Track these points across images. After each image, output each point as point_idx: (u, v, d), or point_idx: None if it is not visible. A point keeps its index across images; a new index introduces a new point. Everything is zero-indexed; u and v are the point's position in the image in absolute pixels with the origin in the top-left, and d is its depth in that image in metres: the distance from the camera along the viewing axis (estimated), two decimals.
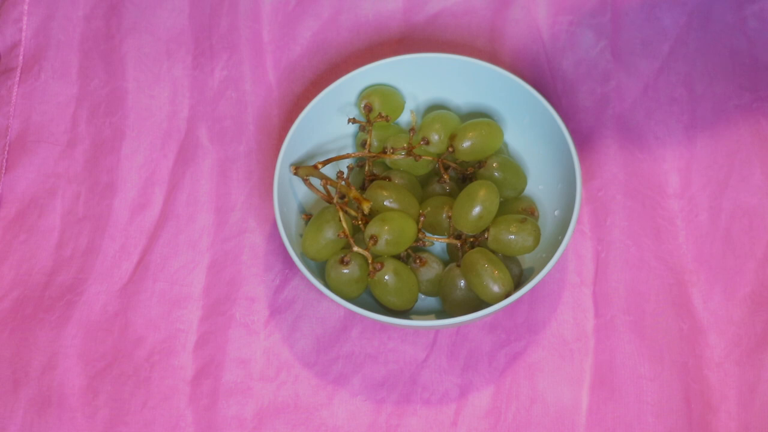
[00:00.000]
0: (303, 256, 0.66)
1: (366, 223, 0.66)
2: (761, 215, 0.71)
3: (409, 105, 0.73)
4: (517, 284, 0.67)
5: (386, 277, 0.65)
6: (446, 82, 0.72)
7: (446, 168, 0.69)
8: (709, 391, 0.67)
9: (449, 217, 0.67)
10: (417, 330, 0.69)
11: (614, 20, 0.78)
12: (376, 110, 0.70)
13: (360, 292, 0.66)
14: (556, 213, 0.68)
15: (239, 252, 0.72)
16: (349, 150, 0.73)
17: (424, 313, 0.69)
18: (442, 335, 0.69)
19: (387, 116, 0.70)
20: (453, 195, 0.69)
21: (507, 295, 0.64)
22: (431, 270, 0.68)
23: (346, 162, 0.72)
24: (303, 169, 0.68)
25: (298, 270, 0.69)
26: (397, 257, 0.67)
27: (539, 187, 0.71)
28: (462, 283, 0.66)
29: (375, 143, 0.70)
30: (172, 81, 0.78)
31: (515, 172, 0.69)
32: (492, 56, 0.77)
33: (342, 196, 0.67)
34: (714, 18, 0.77)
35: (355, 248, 0.65)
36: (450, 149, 0.68)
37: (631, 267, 0.70)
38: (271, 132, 0.76)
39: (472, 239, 0.67)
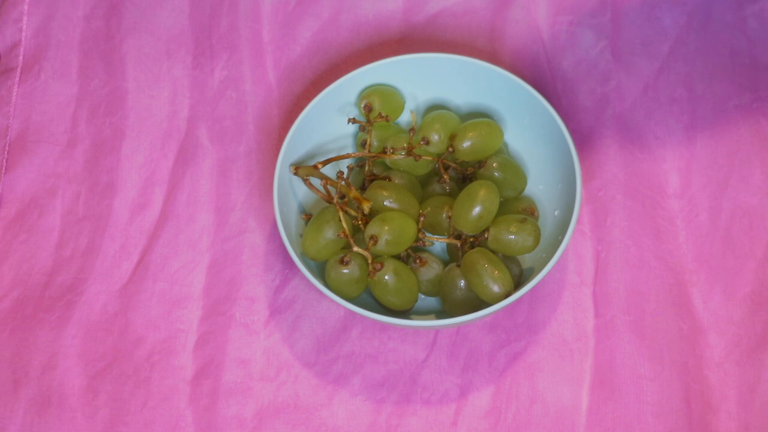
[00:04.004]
0: (303, 256, 0.66)
1: (366, 223, 0.66)
2: (761, 215, 0.71)
3: (409, 105, 0.73)
4: (517, 284, 0.67)
5: (386, 277, 0.65)
6: (446, 82, 0.72)
7: (446, 168, 0.69)
8: (709, 391, 0.67)
9: (449, 217, 0.67)
10: (417, 330, 0.69)
11: (614, 20, 0.78)
12: (376, 110, 0.70)
13: (360, 292, 0.66)
14: (556, 213, 0.68)
15: (239, 252, 0.72)
16: (349, 150, 0.73)
17: (424, 313, 0.69)
18: (442, 335, 0.69)
19: (387, 116, 0.70)
20: (453, 195, 0.69)
21: (507, 295, 0.64)
22: (431, 270, 0.68)
23: (346, 162, 0.72)
24: (303, 169, 0.68)
25: (298, 270, 0.69)
26: (397, 257, 0.67)
27: (539, 187, 0.71)
28: (462, 283, 0.66)
29: (375, 143, 0.70)
30: (172, 81, 0.78)
31: (515, 172, 0.69)
32: (492, 56, 0.77)
33: (342, 196, 0.67)
34: (714, 18, 0.77)
35: (355, 248, 0.65)
36: (450, 149, 0.68)
37: (631, 267, 0.70)
38: (271, 132, 0.76)
39: (472, 239, 0.67)
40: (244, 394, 0.68)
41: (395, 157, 0.68)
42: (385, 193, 0.66)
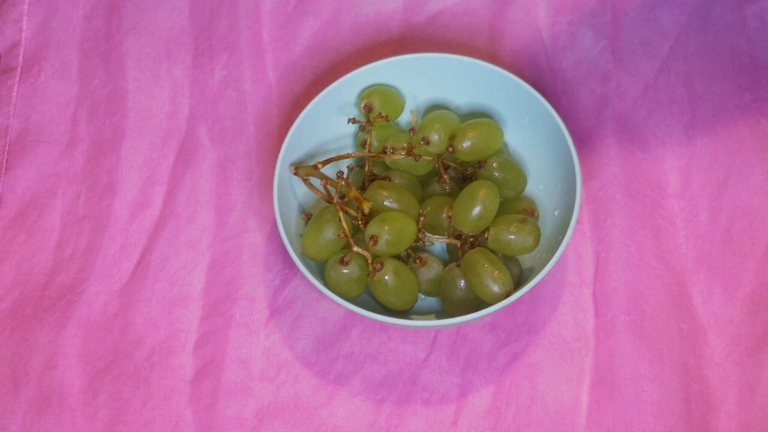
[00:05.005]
0: (303, 256, 0.66)
1: (366, 223, 0.66)
2: (761, 215, 0.71)
3: (409, 105, 0.73)
4: (517, 284, 0.67)
5: (386, 277, 0.65)
6: (446, 82, 0.72)
7: (446, 168, 0.69)
8: (709, 391, 0.67)
9: (449, 217, 0.67)
10: (417, 330, 0.69)
11: (614, 20, 0.78)
12: (376, 110, 0.70)
13: (360, 292, 0.66)
14: (556, 213, 0.68)
15: (239, 252, 0.72)
16: (349, 150, 0.73)
17: (424, 313, 0.69)
18: (442, 335, 0.69)
19: (387, 116, 0.70)
20: (453, 195, 0.69)
21: (507, 295, 0.64)
22: (431, 270, 0.68)
23: (346, 162, 0.72)
24: (303, 169, 0.68)
25: (298, 270, 0.69)
26: (397, 257, 0.67)
27: (539, 187, 0.71)
28: (462, 283, 0.66)
29: (375, 143, 0.70)
30: (172, 81, 0.78)
31: (515, 172, 0.69)
32: (492, 56, 0.77)
33: (342, 196, 0.67)
34: (714, 18, 0.77)
35: (355, 248, 0.65)
36: (450, 149, 0.68)
37: (631, 267, 0.70)
38: (271, 132, 0.76)
39: (472, 239, 0.67)
40: (244, 394, 0.68)
41: (395, 157, 0.68)
42: (385, 193, 0.66)
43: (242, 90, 0.77)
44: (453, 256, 0.69)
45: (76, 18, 0.80)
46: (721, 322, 0.69)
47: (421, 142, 0.68)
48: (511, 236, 0.65)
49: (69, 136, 0.76)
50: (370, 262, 0.65)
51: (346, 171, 0.70)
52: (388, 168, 0.70)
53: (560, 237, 0.65)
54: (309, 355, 0.69)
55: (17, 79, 0.78)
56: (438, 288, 0.68)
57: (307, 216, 0.68)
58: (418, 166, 0.69)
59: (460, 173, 0.70)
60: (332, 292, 0.64)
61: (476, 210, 0.65)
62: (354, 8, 0.79)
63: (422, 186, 0.70)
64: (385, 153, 0.69)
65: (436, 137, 0.68)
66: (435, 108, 0.73)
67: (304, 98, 0.77)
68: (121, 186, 0.75)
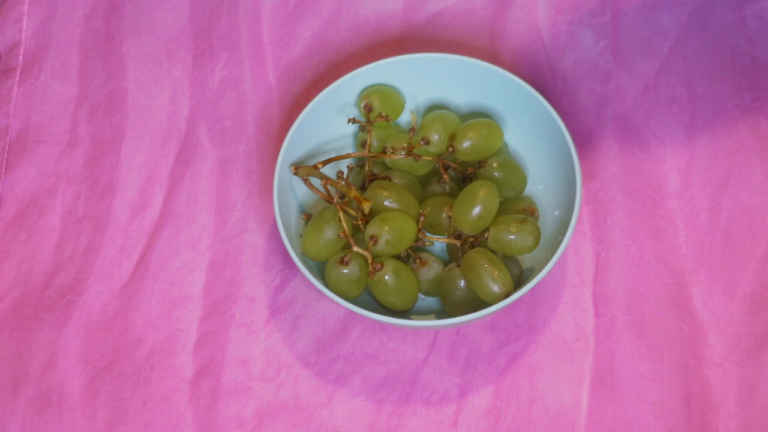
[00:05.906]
0: (303, 256, 0.66)
1: (366, 223, 0.66)
2: (761, 215, 0.71)
3: (409, 105, 0.73)
4: (517, 284, 0.67)
5: (386, 277, 0.65)
6: (446, 82, 0.72)
7: (446, 168, 0.69)
8: (709, 391, 0.67)
9: (449, 217, 0.67)
10: (417, 330, 0.69)
11: (614, 20, 0.78)
12: (376, 110, 0.70)
13: (360, 292, 0.66)
14: (556, 213, 0.68)
15: (239, 252, 0.72)
16: (349, 150, 0.73)
17: (424, 313, 0.69)
18: (442, 335, 0.69)
19: (387, 116, 0.70)
20: (453, 195, 0.69)
21: (507, 295, 0.64)
22: (431, 270, 0.68)
23: (346, 162, 0.72)
24: (303, 169, 0.68)
25: (298, 270, 0.69)
26: (397, 257, 0.67)
27: (539, 187, 0.71)
28: (462, 283, 0.66)
29: (375, 143, 0.70)
30: (172, 81, 0.78)
31: (515, 172, 0.69)
32: (492, 56, 0.77)
33: (342, 196, 0.67)
34: (714, 18, 0.77)
35: (355, 248, 0.65)
36: (450, 149, 0.68)
37: (631, 267, 0.70)
38: (271, 132, 0.76)
39: (472, 239, 0.67)
40: (244, 394, 0.68)
41: (395, 157, 0.68)
42: (385, 193, 0.66)
43: (242, 90, 0.77)
44: (453, 256, 0.69)
45: (76, 18, 0.80)
46: (721, 322, 0.69)
47: (421, 142, 0.68)
48: (511, 236, 0.65)
49: (69, 136, 0.76)
50: (370, 262, 0.65)
51: (346, 171, 0.70)
52: (388, 168, 0.70)
53: (560, 237, 0.65)
54: (309, 355, 0.69)
55: (17, 79, 0.78)
56: (438, 288, 0.68)
57: (307, 216, 0.68)
58: (418, 166, 0.69)
59: (460, 173, 0.70)
60: (332, 292, 0.64)
61: (476, 210, 0.65)
62: (354, 8, 0.80)
63: (422, 186, 0.70)
64: (385, 153, 0.69)
65: (436, 137, 0.68)
66: (435, 108, 0.73)
67: (304, 98, 0.77)
68: (121, 186, 0.75)
